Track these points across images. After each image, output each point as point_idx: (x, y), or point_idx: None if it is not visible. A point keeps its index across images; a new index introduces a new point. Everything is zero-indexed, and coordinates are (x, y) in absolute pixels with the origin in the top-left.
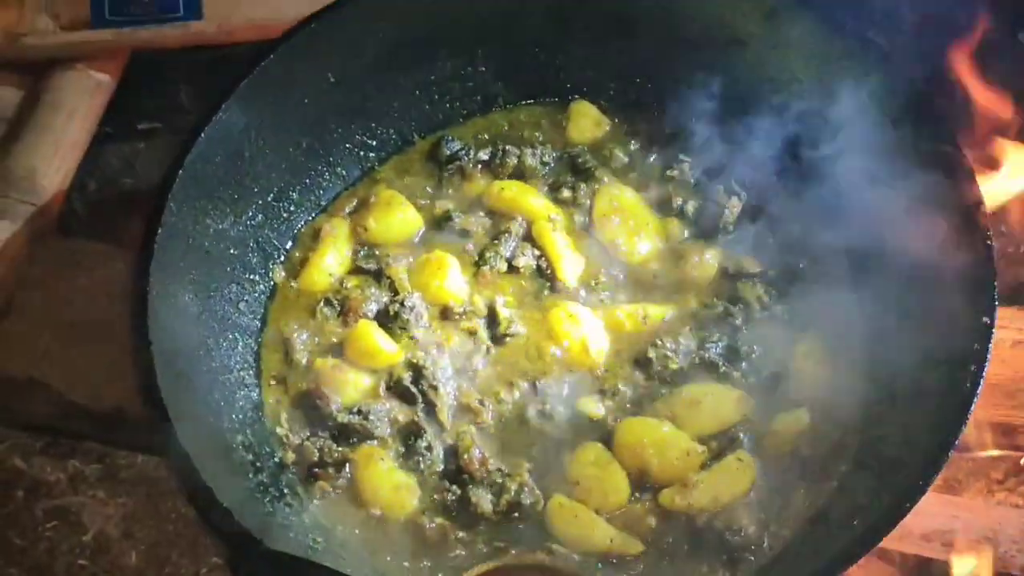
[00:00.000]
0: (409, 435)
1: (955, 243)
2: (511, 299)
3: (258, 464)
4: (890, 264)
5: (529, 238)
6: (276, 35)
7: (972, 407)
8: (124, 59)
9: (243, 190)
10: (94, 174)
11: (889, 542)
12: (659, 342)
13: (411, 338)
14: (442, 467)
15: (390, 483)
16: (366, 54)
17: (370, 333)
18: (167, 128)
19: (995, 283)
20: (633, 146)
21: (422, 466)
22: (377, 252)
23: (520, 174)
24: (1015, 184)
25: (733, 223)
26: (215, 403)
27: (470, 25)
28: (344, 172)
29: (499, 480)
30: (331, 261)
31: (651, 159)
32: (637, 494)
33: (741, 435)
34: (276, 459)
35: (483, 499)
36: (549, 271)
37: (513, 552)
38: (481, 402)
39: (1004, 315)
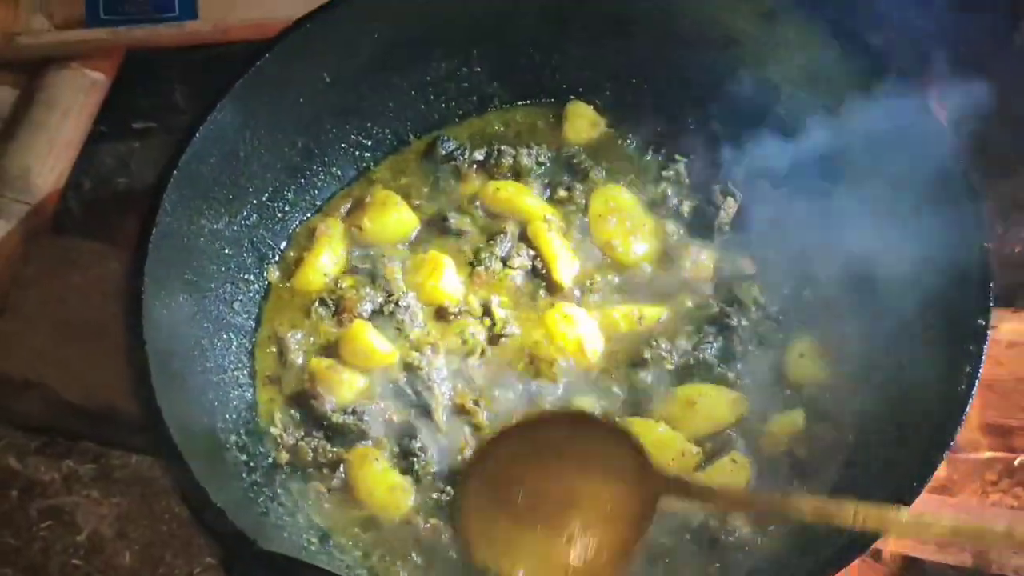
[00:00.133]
0: (404, 436)
1: (952, 244)
2: (506, 299)
3: (252, 464)
4: (886, 265)
5: (525, 238)
6: (271, 34)
7: (967, 408)
8: (119, 58)
9: (238, 190)
10: (89, 173)
11: (883, 543)
12: (654, 343)
13: (406, 338)
14: (437, 468)
15: (385, 484)
16: (361, 54)
17: (365, 333)
18: (162, 127)
19: (991, 284)
20: (629, 147)
21: (417, 467)
22: (372, 252)
23: (516, 174)
24: None
25: (729, 224)
26: (209, 403)
27: (465, 25)
28: (339, 172)
29: None
30: (326, 261)
31: (647, 159)
32: None
33: (736, 436)
34: (270, 459)
35: None
36: (544, 271)
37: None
38: (476, 403)
39: (1000, 316)
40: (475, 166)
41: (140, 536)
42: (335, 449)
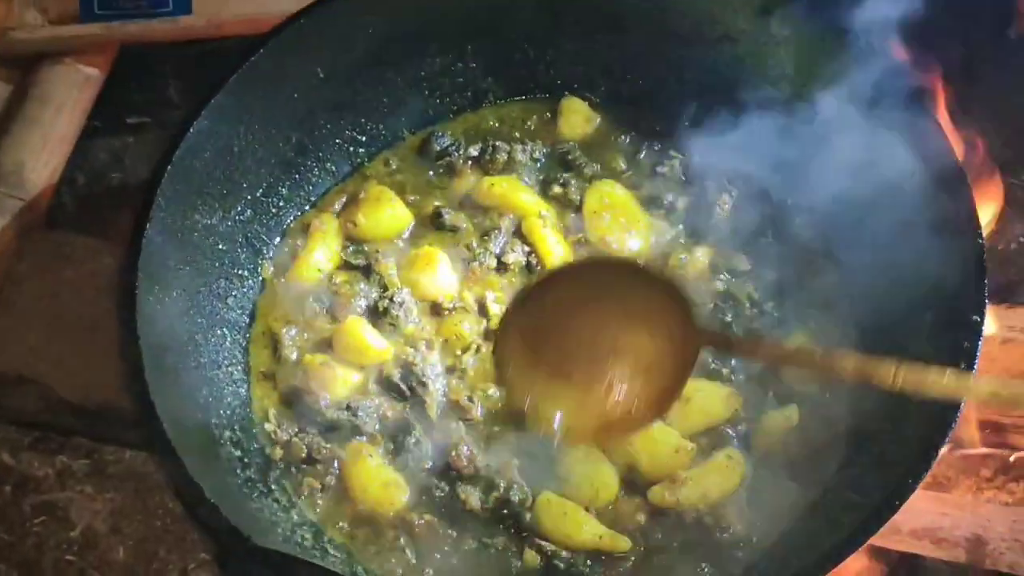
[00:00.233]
0: (398, 432)
1: (946, 241)
2: (501, 295)
3: (246, 460)
4: (880, 262)
5: (519, 234)
6: (265, 30)
7: (962, 405)
8: (113, 53)
9: (232, 185)
10: (82, 168)
11: (878, 539)
12: None
13: (400, 334)
14: (431, 464)
15: (379, 480)
16: (356, 49)
17: (359, 329)
18: (156, 123)
19: (985, 281)
20: (624, 143)
21: (411, 463)
22: (366, 248)
23: (510, 170)
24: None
25: (724, 220)
26: (203, 399)
27: (459, 20)
28: (333, 168)
29: (488, 477)
30: (320, 257)
31: (642, 155)
32: (626, 491)
33: (731, 432)
34: (264, 455)
35: (472, 496)
36: (539, 267)
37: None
38: (470, 399)
39: (994, 313)
40: (470, 162)
41: (134, 532)
42: (329, 445)
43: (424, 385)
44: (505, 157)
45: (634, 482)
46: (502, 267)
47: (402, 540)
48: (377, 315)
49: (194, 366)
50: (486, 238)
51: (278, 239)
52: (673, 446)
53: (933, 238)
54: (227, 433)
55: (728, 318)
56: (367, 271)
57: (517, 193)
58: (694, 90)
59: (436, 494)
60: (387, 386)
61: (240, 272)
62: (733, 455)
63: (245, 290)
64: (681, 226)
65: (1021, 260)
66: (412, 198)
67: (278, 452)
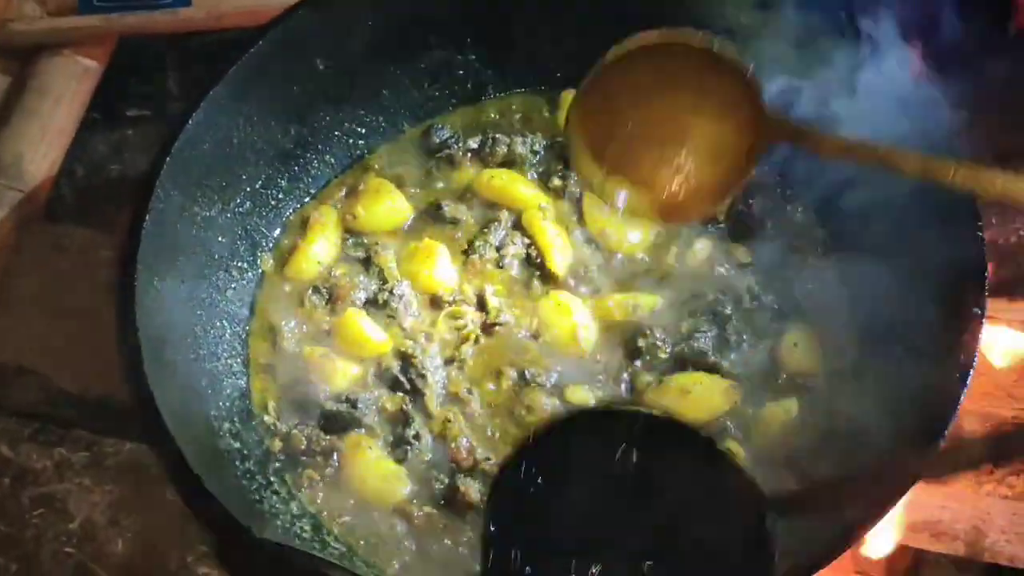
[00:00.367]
0: (397, 424)
1: (946, 234)
2: (500, 288)
3: (245, 452)
4: (881, 255)
5: (519, 227)
6: (265, 21)
7: (962, 397)
8: (112, 45)
9: (231, 177)
10: (81, 160)
11: (874, 534)
12: (648, 331)
13: (399, 327)
14: (430, 456)
15: (378, 472)
16: (355, 41)
17: (358, 322)
18: (155, 114)
19: (986, 273)
20: None
21: (410, 455)
22: (366, 240)
23: (510, 163)
24: None
25: (724, 213)
26: (202, 391)
27: (460, 12)
28: (333, 160)
29: (487, 469)
30: (320, 249)
31: None
32: None
33: (730, 424)
34: (263, 447)
35: (471, 488)
36: (539, 260)
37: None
38: (469, 391)
39: (994, 306)
40: (469, 154)
41: (133, 524)
42: (328, 437)
43: (423, 377)
44: (505, 150)
45: None
46: (502, 260)
47: (401, 532)
48: (376, 307)
49: (193, 358)
50: (486, 231)
51: (277, 231)
52: None
53: (934, 230)
54: (226, 425)
55: (728, 311)
56: (367, 263)
57: (517, 186)
58: None
59: (435, 486)
60: (386, 378)
61: (239, 264)
62: (733, 447)
63: (244, 282)
64: None
65: (1021, 254)
66: (412, 190)
67: (277, 444)
